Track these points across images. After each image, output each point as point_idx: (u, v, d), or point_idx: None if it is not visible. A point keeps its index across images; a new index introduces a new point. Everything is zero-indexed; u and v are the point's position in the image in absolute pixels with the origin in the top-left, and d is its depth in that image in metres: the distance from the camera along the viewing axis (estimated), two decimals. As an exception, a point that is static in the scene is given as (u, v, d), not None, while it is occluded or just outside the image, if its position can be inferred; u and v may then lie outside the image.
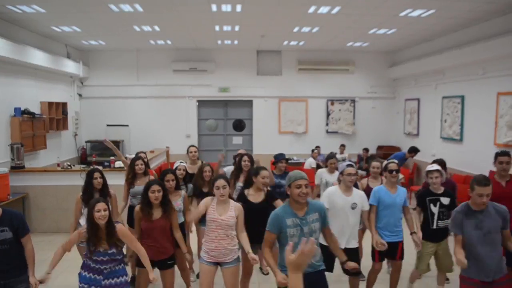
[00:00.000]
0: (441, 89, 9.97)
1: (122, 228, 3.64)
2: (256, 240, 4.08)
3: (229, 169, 5.96)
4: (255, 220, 4.16)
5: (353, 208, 4.27)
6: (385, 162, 4.88)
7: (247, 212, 4.19)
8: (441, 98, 9.90)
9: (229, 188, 4.11)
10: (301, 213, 3.28)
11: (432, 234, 4.59)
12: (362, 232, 5.26)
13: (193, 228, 5.75)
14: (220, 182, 4.00)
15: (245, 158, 5.54)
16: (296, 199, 3.24)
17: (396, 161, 4.77)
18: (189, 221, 4.76)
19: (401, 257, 4.65)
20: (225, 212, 3.99)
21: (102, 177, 4.72)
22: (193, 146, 6.51)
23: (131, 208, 5.24)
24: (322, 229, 3.46)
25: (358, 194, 4.44)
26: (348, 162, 4.64)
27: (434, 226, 4.54)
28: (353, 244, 4.36)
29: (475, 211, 3.58)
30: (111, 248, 3.52)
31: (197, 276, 5.21)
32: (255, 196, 4.49)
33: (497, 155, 4.64)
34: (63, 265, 5.87)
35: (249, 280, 4.72)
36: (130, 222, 4.89)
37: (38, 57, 8.90)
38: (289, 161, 9.86)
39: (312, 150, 10.56)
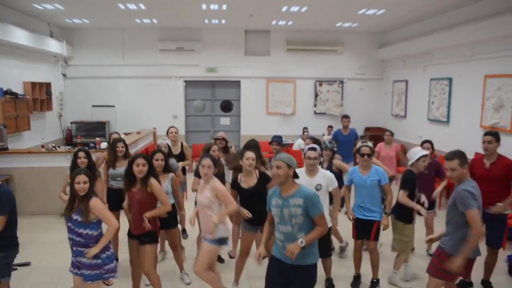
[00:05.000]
0: (429, 70, 9.99)
1: (95, 202, 3.52)
2: (256, 222, 4.26)
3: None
4: (251, 205, 4.19)
5: (317, 190, 4.18)
6: (358, 144, 4.85)
7: (242, 198, 4.29)
8: (429, 79, 9.92)
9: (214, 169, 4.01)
10: (286, 194, 3.19)
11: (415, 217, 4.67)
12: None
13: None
14: (206, 162, 3.92)
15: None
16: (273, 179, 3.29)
17: (370, 144, 4.73)
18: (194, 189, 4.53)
19: (375, 238, 4.62)
20: (203, 191, 3.98)
21: (88, 157, 4.75)
22: (173, 127, 6.56)
23: (110, 191, 5.22)
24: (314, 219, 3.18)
25: (323, 175, 4.41)
26: (311, 146, 4.52)
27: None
28: None
29: None
30: (76, 214, 3.48)
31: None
32: (247, 181, 4.35)
33: (484, 134, 4.67)
34: (58, 246, 5.86)
35: (246, 259, 4.55)
36: (110, 204, 4.81)
37: (20, 36, 8.64)
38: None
39: (303, 132, 10.53)
